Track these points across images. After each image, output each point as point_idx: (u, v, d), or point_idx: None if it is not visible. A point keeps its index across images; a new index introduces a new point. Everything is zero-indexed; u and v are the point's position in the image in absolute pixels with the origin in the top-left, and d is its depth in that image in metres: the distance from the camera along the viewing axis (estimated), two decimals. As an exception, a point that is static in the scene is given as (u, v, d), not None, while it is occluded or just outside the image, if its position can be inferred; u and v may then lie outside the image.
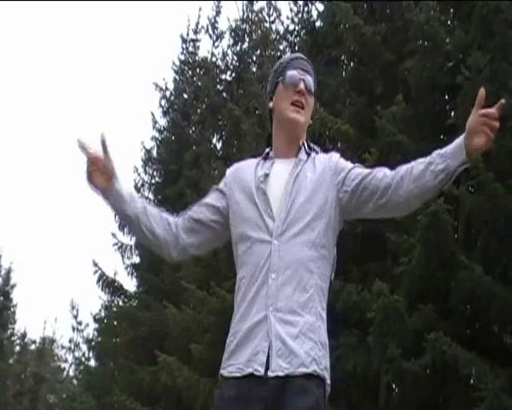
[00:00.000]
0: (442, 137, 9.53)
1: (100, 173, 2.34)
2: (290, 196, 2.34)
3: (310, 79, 2.47)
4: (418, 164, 2.28)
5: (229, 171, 2.52)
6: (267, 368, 2.20)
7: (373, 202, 2.33)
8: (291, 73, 2.46)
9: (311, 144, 2.54)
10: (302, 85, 2.44)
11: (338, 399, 9.18)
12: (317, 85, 2.57)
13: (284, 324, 2.23)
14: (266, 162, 2.46)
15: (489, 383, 7.15)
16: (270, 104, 2.50)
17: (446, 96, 9.58)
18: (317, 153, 2.51)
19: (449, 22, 9.70)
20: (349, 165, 2.44)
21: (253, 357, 2.23)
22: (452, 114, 8.90)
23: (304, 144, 2.48)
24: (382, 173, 2.34)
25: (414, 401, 8.52)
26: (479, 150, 2.18)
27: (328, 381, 2.30)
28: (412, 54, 9.11)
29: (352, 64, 11.15)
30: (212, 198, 2.49)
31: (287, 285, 2.25)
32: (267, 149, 2.50)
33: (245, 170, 2.47)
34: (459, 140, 2.21)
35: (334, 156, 2.48)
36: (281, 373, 2.19)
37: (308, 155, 2.47)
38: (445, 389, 8.42)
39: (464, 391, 8.05)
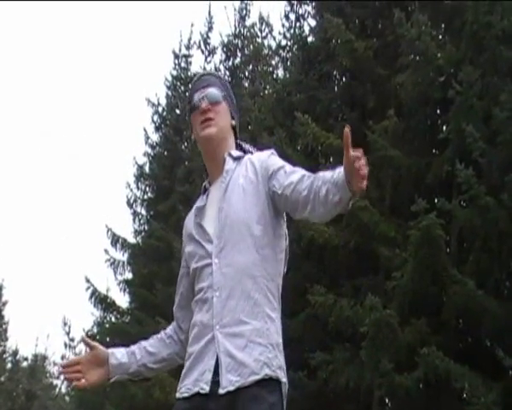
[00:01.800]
0: (434, 151, 9.57)
1: (94, 367, 2.48)
2: (222, 211, 2.36)
3: (211, 91, 2.48)
4: (322, 187, 2.20)
5: (184, 227, 2.57)
6: (218, 386, 2.22)
7: (297, 212, 2.33)
8: (194, 98, 2.49)
9: (244, 146, 2.53)
10: (204, 104, 2.45)
11: (331, 414, 9.15)
12: (227, 89, 2.54)
13: (232, 337, 2.25)
14: (203, 197, 2.49)
15: (481, 397, 7.15)
16: (193, 136, 2.55)
17: (438, 111, 9.63)
18: (251, 153, 2.50)
19: (440, 37, 9.77)
20: (275, 165, 2.39)
21: (200, 377, 2.27)
22: (444, 128, 8.94)
23: (229, 154, 2.47)
24: (302, 186, 2.27)
25: (407, 416, 8.50)
26: (361, 190, 2.13)
27: (284, 379, 2.29)
28: (404, 69, 9.17)
29: (343, 79, 11.20)
30: (180, 271, 2.56)
31: (230, 299, 2.27)
32: (204, 183, 2.53)
33: (189, 217, 2.51)
34: (342, 175, 2.13)
35: (264, 154, 2.46)
36: (231, 388, 2.21)
37: (237, 159, 2.46)
38: (438, 403, 8.40)
39: (457, 405, 8.03)
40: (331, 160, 10.02)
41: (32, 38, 46.53)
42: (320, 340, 9.29)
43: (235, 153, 2.48)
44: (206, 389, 2.23)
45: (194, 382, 2.27)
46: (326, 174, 2.21)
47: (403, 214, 8.84)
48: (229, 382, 2.21)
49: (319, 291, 8.53)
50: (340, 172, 2.14)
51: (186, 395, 2.29)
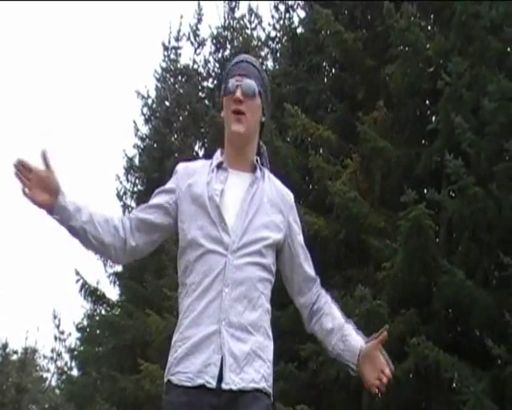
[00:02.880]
0: (423, 141, 9.59)
1: (42, 190, 2.29)
2: (247, 215, 2.35)
3: (248, 82, 2.41)
4: (327, 323, 2.54)
5: (179, 171, 2.49)
6: (220, 380, 2.23)
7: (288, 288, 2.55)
8: (229, 82, 2.43)
9: (264, 155, 2.54)
10: (238, 93, 2.39)
11: (321, 404, 9.18)
12: (264, 84, 2.49)
13: (236, 340, 2.26)
14: (220, 173, 2.42)
15: (471, 386, 7.17)
16: (222, 114, 2.50)
17: (427, 101, 9.64)
18: (265, 159, 2.53)
19: (429, 28, 9.78)
20: (296, 227, 2.50)
21: (204, 368, 2.24)
22: (433, 118, 8.96)
23: (257, 161, 2.48)
24: (308, 294, 2.53)
25: (396, 406, 8.53)
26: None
27: (272, 399, 2.35)
28: (393, 59, 9.17)
29: (333, 70, 11.20)
30: (160, 199, 2.46)
31: (238, 302, 2.28)
32: (220, 158, 2.46)
33: (196, 174, 2.44)
34: (357, 353, 2.50)
35: (291, 197, 2.51)
36: (234, 387, 2.23)
37: (262, 172, 2.47)
38: (428, 393, 8.44)
39: (446, 395, 8.07)
40: (321, 151, 10.02)
41: (20, 28, 46.26)
42: (310, 331, 9.30)
43: (259, 163, 2.50)
44: (213, 384, 2.22)
45: (197, 372, 2.23)
46: (335, 319, 2.52)
47: (392, 205, 8.85)
48: (232, 381, 2.23)
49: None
50: (353, 345, 2.49)
51: (188, 384, 2.24)
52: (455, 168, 7.64)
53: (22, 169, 2.28)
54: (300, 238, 2.50)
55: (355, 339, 2.44)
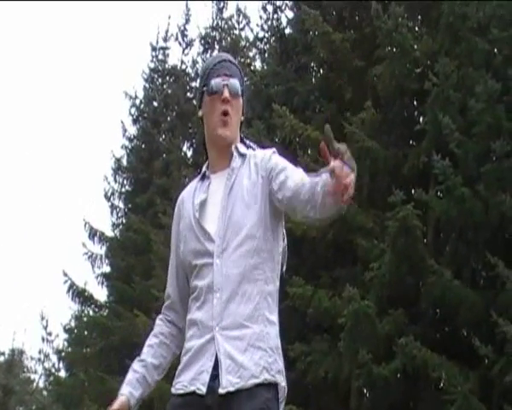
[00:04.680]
0: (411, 142, 9.62)
1: None
2: (226, 211, 2.33)
3: (234, 82, 2.42)
4: (319, 190, 2.15)
5: (176, 207, 2.53)
6: (215, 386, 2.22)
7: (297, 214, 2.28)
8: (214, 81, 2.42)
9: (247, 141, 2.51)
10: (226, 93, 2.39)
11: (309, 404, 9.19)
12: (243, 83, 2.50)
13: (232, 340, 2.25)
14: (203, 184, 2.43)
15: (459, 386, 7.21)
16: (200, 113, 2.48)
17: (415, 102, 9.68)
18: (253, 149, 2.48)
19: (417, 29, 9.82)
20: (276, 167, 2.36)
21: (196, 376, 2.26)
22: (421, 119, 8.99)
23: (236, 148, 2.44)
24: (302, 190, 2.23)
25: (384, 406, 8.56)
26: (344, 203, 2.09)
27: (283, 383, 2.31)
28: (381, 60, 9.20)
29: (321, 71, 11.22)
30: (173, 256, 2.52)
31: (231, 301, 2.27)
32: (203, 168, 2.49)
33: (185, 201, 2.47)
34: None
35: (267, 154, 2.42)
36: (231, 388, 2.21)
37: (243, 156, 2.43)
38: (416, 393, 8.47)
39: (434, 394, 8.11)
40: (309, 151, 10.03)
41: (9, 27, 46.03)
42: (299, 331, 9.31)
43: (242, 148, 2.45)
44: (203, 390, 2.23)
45: (190, 380, 2.27)
46: (323, 176, 2.17)
47: (380, 205, 8.88)
48: (229, 383, 2.21)
49: (298, 283, 8.54)
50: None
51: (181, 392, 2.29)
52: (442, 169, 7.68)
53: None
54: (280, 176, 2.31)
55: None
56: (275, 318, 2.34)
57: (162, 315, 2.52)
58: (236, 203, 2.34)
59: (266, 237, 2.34)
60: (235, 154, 2.42)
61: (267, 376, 2.25)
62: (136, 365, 2.46)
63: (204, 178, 2.46)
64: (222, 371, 2.22)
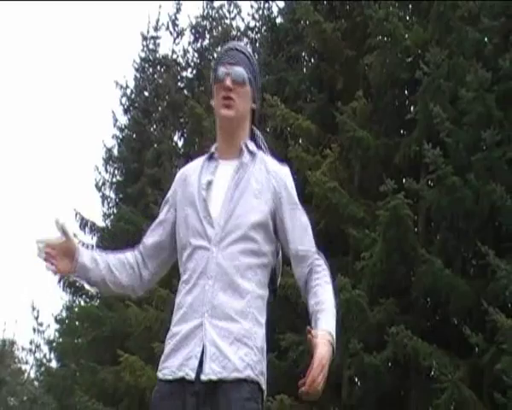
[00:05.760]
0: (402, 131, 9.63)
1: (62, 256, 2.45)
2: (230, 203, 2.34)
3: (238, 70, 2.43)
4: (310, 301, 2.38)
5: (177, 176, 2.53)
6: (200, 372, 2.23)
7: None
8: (219, 70, 2.45)
9: (256, 131, 2.52)
10: (228, 81, 2.41)
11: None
12: (254, 71, 2.50)
13: (219, 330, 2.25)
14: (210, 164, 2.44)
15: (449, 374, 7.24)
16: (212, 102, 2.51)
17: (406, 91, 9.68)
18: (264, 151, 2.49)
19: (407, 18, 9.81)
20: (289, 201, 2.41)
21: (185, 361, 2.26)
22: (412, 108, 9.00)
23: (246, 145, 2.45)
24: (299, 271, 2.41)
25: (376, 394, 8.60)
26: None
27: (264, 386, 2.31)
28: (372, 50, 9.19)
29: (312, 60, 11.20)
30: (161, 213, 2.51)
31: (223, 293, 2.27)
32: (212, 148, 2.50)
33: (190, 174, 2.46)
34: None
35: (282, 172, 2.44)
36: (213, 377, 2.21)
37: (252, 154, 2.44)
38: (407, 382, 8.51)
39: (425, 383, 8.15)
40: (300, 141, 10.03)
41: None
42: (290, 321, 9.33)
43: (251, 146, 2.45)
44: (192, 376, 2.23)
45: (179, 366, 2.26)
46: (318, 303, 2.36)
47: (371, 195, 8.89)
48: (212, 370, 2.21)
49: (289, 273, 8.52)
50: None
51: (170, 377, 2.27)
52: (433, 158, 7.69)
53: (46, 250, 2.44)
54: (293, 213, 2.39)
55: (318, 327, 2.32)
56: (263, 321, 2.34)
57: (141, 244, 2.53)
58: (241, 199, 2.34)
59: (265, 243, 2.36)
60: (244, 149, 2.43)
61: (251, 373, 2.24)
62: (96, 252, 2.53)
63: (211, 158, 2.45)
64: (206, 357, 2.22)
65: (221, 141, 2.47)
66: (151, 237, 2.50)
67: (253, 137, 2.51)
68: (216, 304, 2.26)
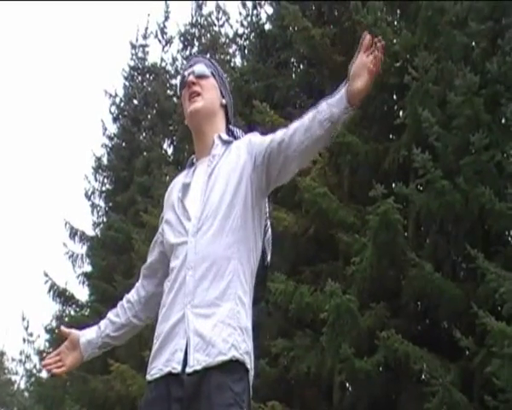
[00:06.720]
0: (391, 136, 9.65)
1: (72, 351, 2.56)
2: (205, 194, 2.36)
3: (199, 66, 2.51)
4: (308, 115, 2.28)
5: (167, 190, 2.59)
6: (185, 365, 2.22)
7: (276, 163, 2.34)
8: (182, 76, 2.54)
9: (234, 129, 2.53)
10: (190, 77, 2.48)
11: (292, 399, 9.19)
12: (216, 68, 2.55)
13: (202, 318, 2.24)
14: (190, 170, 2.49)
15: (440, 378, 7.24)
16: (186, 122, 2.56)
17: (395, 96, 9.70)
18: (238, 138, 2.50)
19: (396, 23, 9.84)
20: (258, 140, 2.40)
21: (171, 356, 2.26)
22: (401, 113, 9.01)
23: (219, 137, 2.46)
24: (280, 134, 2.34)
25: (367, 399, 8.58)
26: (360, 94, 2.23)
27: (250, 365, 2.28)
28: (360, 55, 9.18)
29: (301, 66, 11.23)
30: (157, 233, 2.57)
31: (204, 279, 2.26)
32: (192, 156, 2.54)
33: (174, 186, 2.52)
34: (343, 87, 2.25)
35: (248, 137, 2.46)
36: (198, 367, 2.20)
37: (226, 143, 2.45)
38: (398, 386, 8.50)
39: (416, 387, 8.13)
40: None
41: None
42: (281, 327, 9.31)
43: (225, 136, 2.46)
44: (178, 368, 2.22)
45: (165, 362, 2.26)
46: (309, 111, 2.27)
47: (361, 200, 8.89)
48: (196, 361, 2.20)
49: (279, 279, 8.53)
50: (334, 95, 2.24)
51: (157, 375, 2.26)
52: (422, 162, 7.70)
53: (52, 363, 2.56)
54: (258, 148, 2.36)
55: (335, 96, 2.26)
56: (247, 299, 2.31)
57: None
58: (215, 187, 2.36)
59: (245, 217, 2.34)
60: (216, 142, 2.44)
61: (235, 353, 2.22)
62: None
63: (192, 165, 2.51)
64: (190, 348, 2.21)
65: (196, 142, 2.52)
66: (149, 258, 2.58)
67: (231, 136, 2.51)
68: (198, 293, 2.25)
